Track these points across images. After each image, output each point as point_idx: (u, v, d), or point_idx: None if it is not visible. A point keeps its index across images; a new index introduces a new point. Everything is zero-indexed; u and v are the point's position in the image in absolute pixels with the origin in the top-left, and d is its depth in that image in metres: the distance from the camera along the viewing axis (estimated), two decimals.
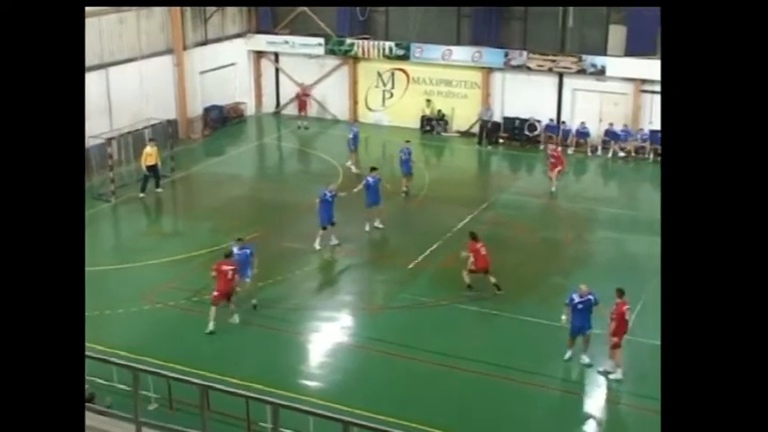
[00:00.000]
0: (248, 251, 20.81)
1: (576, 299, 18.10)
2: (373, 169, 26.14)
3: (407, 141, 29.89)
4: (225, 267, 19.62)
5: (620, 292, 17.79)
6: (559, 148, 31.61)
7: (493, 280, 21.63)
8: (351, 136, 32.27)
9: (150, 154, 28.82)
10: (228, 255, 20.05)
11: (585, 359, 18.33)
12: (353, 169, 31.45)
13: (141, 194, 28.86)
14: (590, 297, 18.08)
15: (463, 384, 17.79)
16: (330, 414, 11.40)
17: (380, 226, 25.84)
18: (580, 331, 18.27)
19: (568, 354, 18.50)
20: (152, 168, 28.90)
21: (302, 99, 39.05)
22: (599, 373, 18.05)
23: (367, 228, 25.66)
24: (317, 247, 24.23)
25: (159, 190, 29.35)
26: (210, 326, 19.41)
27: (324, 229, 24.25)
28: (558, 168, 29.89)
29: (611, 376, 17.93)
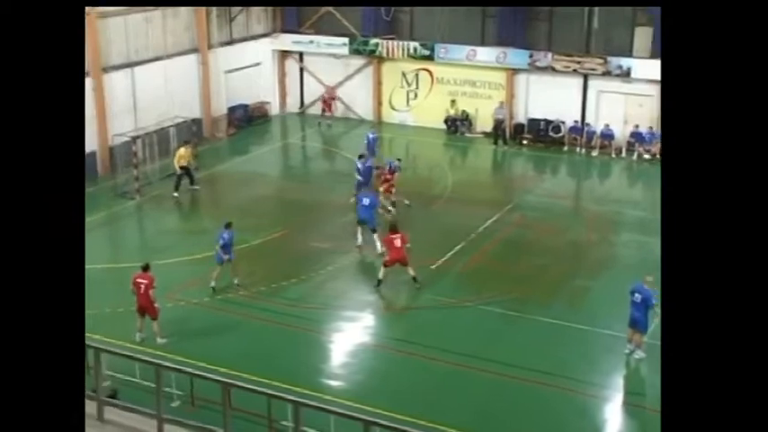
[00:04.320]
0: (233, 233, 21.65)
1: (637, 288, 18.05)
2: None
3: (398, 160, 28.65)
4: (139, 280, 18.91)
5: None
6: (387, 172, 27.58)
7: (411, 273, 21.80)
8: (365, 141, 31.62)
9: (183, 155, 28.93)
10: (145, 267, 19.19)
11: (640, 354, 18.30)
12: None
13: (175, 194, 28.96)
14: (647, 291, 17.88)
15: (486, 386, 17.68)
16: (351, 413, 11.36)
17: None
18: (633, 325, 18.20)
19: (628, 347, 18.51)
20: (184, 168, 29.01)
21: (328, 101, 39.08)
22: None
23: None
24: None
25: (196, 187, 29.44)
26: (137, 336, 19.01)
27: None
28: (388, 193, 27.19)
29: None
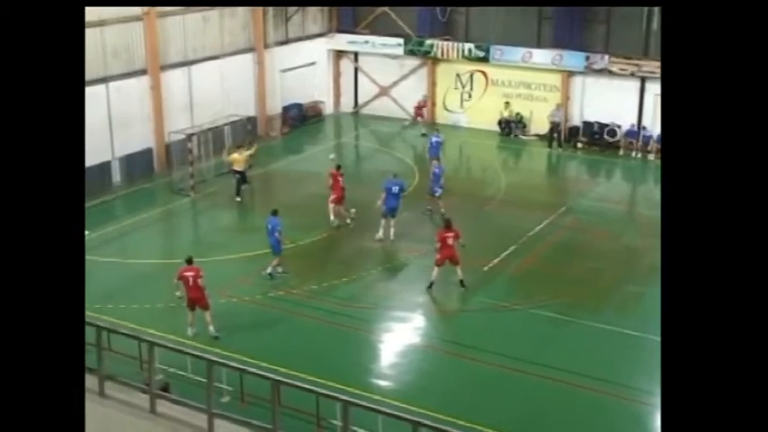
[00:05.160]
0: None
1: None
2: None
3: (437, 159, 28.44)
4: (186, 273, 19.07)
5: None
6: (338, 175, 26.28)
7: (459, 275, 21.68)
8: (429, 144, 31.30)
9: (238, 160, 28.52)
10: (189, 260, 19.35)
11: None
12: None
13: (237, 198, 28.71)
14: None
15: (536, 390, 17.56)
16: (400, 414, 11.37)
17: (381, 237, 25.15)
18: None
19: None
20: (238, 172, 28.76)
21: (419, 111, 38.63)
22: None
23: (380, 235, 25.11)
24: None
25: (243, 187, 29.40)
26: (189, 331, 19.17)
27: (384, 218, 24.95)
28: (333, 197, 26.10)
29: None
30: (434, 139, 31.36)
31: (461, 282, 21.77)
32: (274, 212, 22.51)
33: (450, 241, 21.53)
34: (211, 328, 19.23)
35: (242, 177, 28.96)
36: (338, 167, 26.51)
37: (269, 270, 22.14)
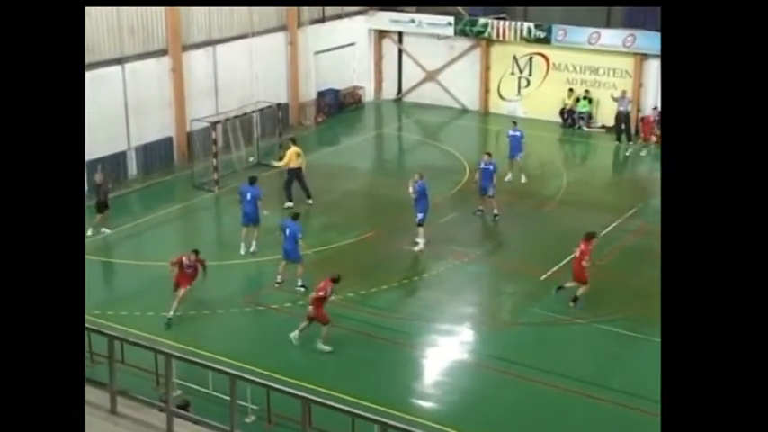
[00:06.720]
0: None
1: None
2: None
3: (488, 154, 27.76)
4: (327, 287, 19.42)
5: None
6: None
7: (568, 285, 21.63)
8: (509, 140, 30.50)
9: (293, 158, 27.98)
10: (336, 279, 19.74)
11: None
12: (523, 179, 30.44)
13: (309, 201, 28.24)
14: None
15: (598, 416, 17.53)
16: None
17: None
18: None
19: None
20: (294, 171, 28.15)
21: (648, 129, 35.96)
22: None
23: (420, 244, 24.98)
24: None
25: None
26: (295, 335, 19.51)
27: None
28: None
29: None
30: (512, 133, 30.58)
31: (561, 287, 21.69)
32: (295, 217, 22.43)
33: (576, 252, 21.41)
34: (297, 333, 19.49)
35: (297, 177, 28.22)
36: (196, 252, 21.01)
37: (300, 282, 22.14)
